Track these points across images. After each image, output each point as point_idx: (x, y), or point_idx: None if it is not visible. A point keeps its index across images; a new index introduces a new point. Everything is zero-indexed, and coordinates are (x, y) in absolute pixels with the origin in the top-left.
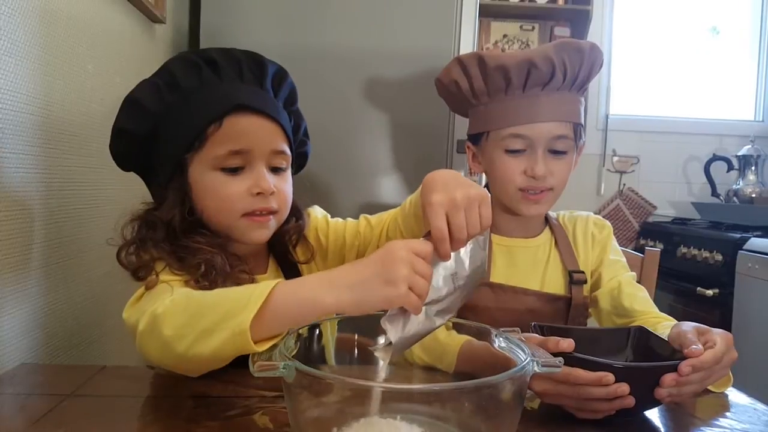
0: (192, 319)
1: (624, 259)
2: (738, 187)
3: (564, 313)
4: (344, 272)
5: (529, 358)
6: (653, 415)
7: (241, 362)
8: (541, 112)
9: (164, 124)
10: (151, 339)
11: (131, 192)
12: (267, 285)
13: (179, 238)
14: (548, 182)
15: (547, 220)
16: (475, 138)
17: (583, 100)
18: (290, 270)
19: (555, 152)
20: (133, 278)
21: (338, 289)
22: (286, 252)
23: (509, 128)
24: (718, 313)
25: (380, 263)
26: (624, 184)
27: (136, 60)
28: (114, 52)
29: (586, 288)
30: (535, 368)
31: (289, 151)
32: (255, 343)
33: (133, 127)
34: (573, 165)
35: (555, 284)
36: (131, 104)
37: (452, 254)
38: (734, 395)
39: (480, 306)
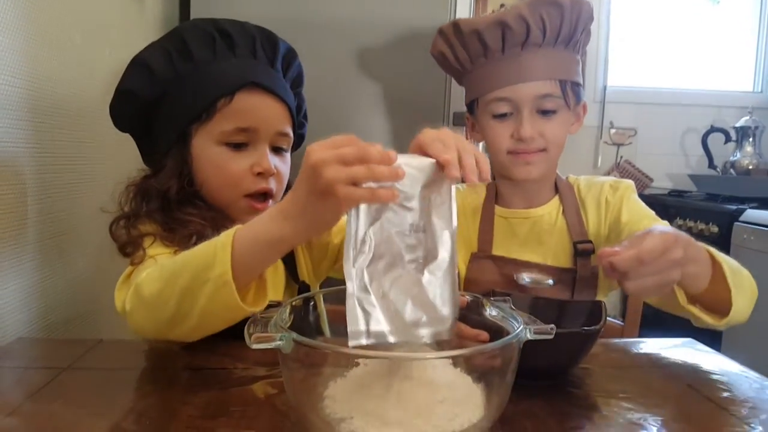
0: (168, 283)
1: (651, 212)
2: (735, 158)
3: (570, 286)
4: (289, 200)
5: (521, 326)
6: (648, 383)
7: (236, 335)
8: (522, 71)
9: (172, 92)
10: (139, 312)
11: (125, 165)
12: (227, 236)
13: (172, 209)
14: (538, 143)
15: (557, 187)
16: (470, 108)
17: (575, 56)
18: None
19: (543, 112)
20: (120, 254)
21: (291, 220)
22: None
23: (493, 92)
24: None
25: (305, 178)
26: (621, 157)
27: (126, 31)
28: (102, 22)
29: (595, 258)
30: (528, 335)
31: (292, 134)
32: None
33: (139, 89)
34: (569, 125)
35: (561, 255)
36: (139, 66)
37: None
38: (726, 363)
39: (483, 279)
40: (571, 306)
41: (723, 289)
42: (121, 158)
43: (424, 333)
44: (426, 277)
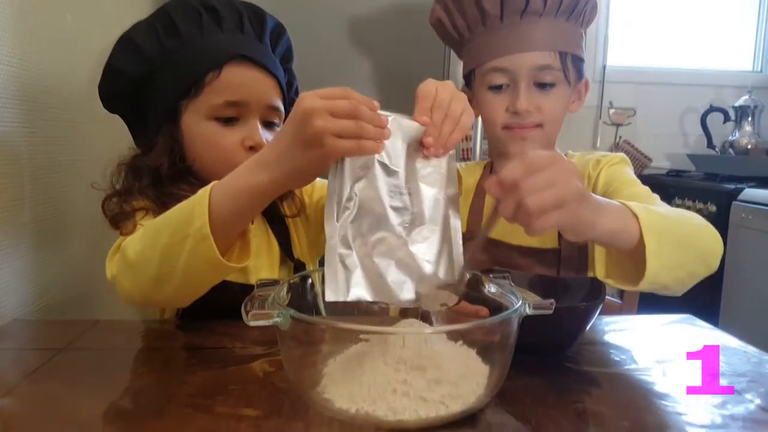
0: (150, 240)
1: (634, 178)
2: (734, 138)
3: (555, 267)
4: (270, 147)
5: (520, 302)
6: (646, 359)
7: (234, 314)
8: (521, 41)
9: (160, 69)
10: (124, 276)
11: (120, 145)
12: (204, 190)
13: (165, 185)
14: (534, 118)
15: None
16: (468, 80)
17: (578, 29)
18: (277, 223)
19: (541, 86)
20: (112, 226)
21: (268, 168)
22: (273, 205)
23: (490, 62)
24: None
25: (293, 124)
26: (620, 137)
27: (118, 9)
28: (94, 1)
29: None
30: (527, 310)
31: (282, 108)
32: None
33: (126, 67)
34: (569, 101)
35: (547, 235)
36: (127, 44)
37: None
38: (724, 338)
39: (473, 260)
40: (570, 283)
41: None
42: (116, 137)
43: (407, 297)
44: (412, 241)
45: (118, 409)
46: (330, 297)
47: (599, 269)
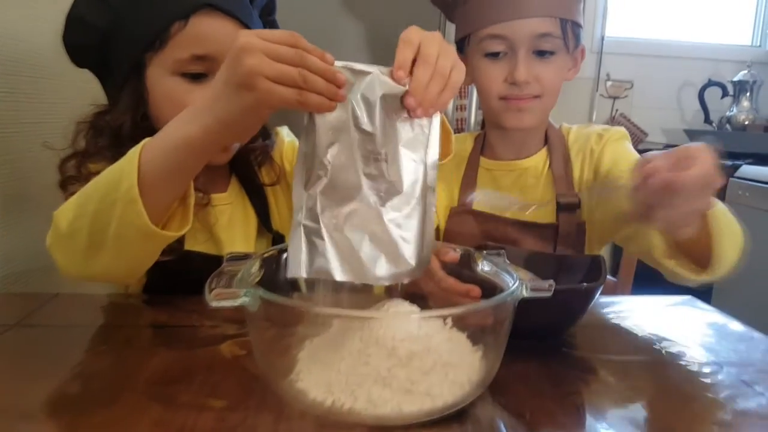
0: (80, 209)
1: (637, 155)
2: (731, 113)
3: (552, 243)
4: (202, 94)
5: (516, 283)
6: (647, 344)
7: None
8: (520, 6)
9: (125, 18)
10: (57, 247)
11: (88, 102)
12: (135, 148)
13: (125, 146)
14: (532, 89)
15: (547, 138)
16: (461, 46)
17: None
18: (255, 191)
19: (540, 54)
20: (61, 190)
21: (199, 117)
22: (250, 172)
23: (487, 28)
24: None
25: (225, 65)
26: (617, 110)
27: None
28: None
29: (580, 212)
30: (524, 292)
31: None
32: (151, 218)
33: (90, 17)
34: (566, 70)
35: (545, 210)
36: None
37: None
38: (729, 323)
39: (466, 234)
40: (569, 261)
41: (705, 236)
42: (87, 97)
43: (382, 274)
44: (387, 212)
45: (65, 396)
46: (290, 273)
47: (658, 249)
